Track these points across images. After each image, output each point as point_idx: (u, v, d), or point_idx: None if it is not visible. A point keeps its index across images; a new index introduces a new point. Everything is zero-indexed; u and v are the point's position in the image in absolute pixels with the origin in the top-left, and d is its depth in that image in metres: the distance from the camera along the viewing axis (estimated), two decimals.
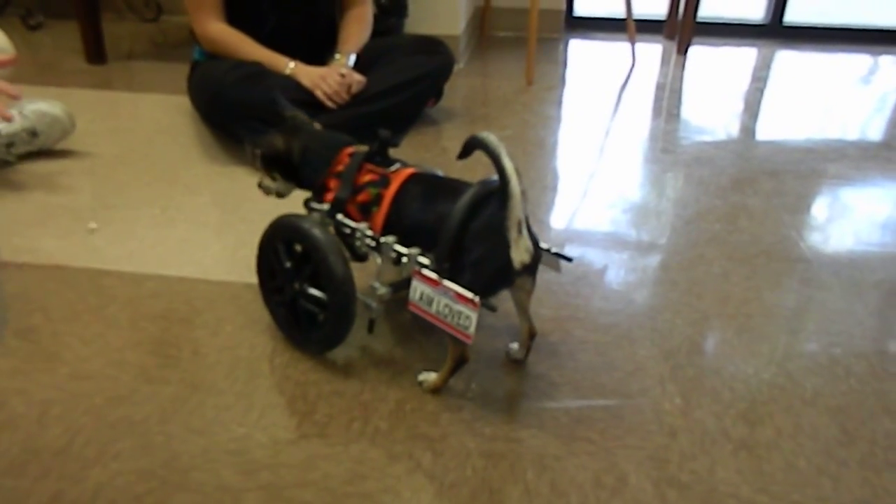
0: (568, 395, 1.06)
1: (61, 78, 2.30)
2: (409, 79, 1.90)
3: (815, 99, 2.42)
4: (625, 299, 1.29)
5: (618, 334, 1.20)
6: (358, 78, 1.85)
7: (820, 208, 1.69)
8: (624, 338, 1.19)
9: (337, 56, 1.90)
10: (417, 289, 0.98)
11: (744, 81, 2.60)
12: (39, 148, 1.73)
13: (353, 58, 1.92)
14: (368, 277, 1.09)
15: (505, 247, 0.93)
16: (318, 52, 1.91)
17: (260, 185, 1.19)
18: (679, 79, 2.58)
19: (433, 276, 0.96)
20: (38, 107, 1.70)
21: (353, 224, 1.07)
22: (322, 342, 1.10)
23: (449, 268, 0.95)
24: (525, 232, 0.94)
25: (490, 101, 2.28)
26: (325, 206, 1.09)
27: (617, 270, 1.38)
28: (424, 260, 0.99)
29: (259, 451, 0.95)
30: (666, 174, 1.82)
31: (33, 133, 1.69)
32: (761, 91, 2.49)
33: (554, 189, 1.72)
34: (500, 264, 0.94)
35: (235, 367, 1.10)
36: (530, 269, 0.98)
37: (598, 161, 1.88)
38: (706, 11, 2.89)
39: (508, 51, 2.80)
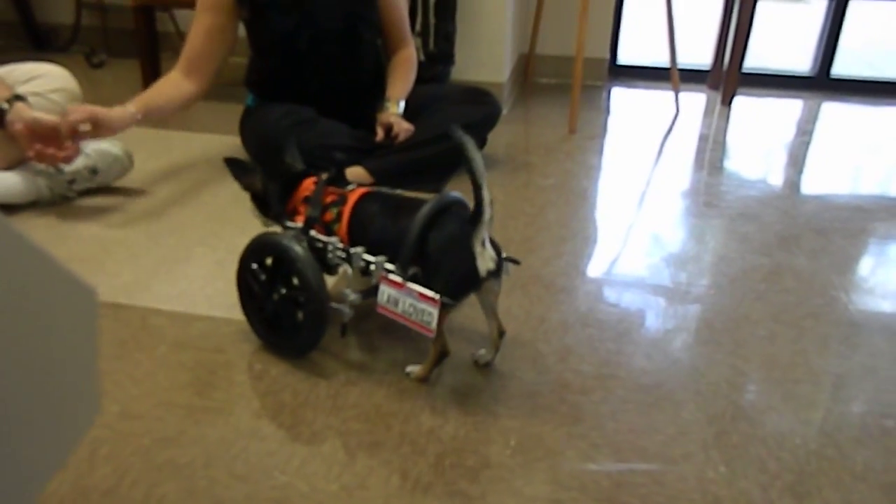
0: (609, 457, 1.05)
1: None
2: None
3: (864, 154, 2.39)
4: (668, 359, 1.28)
5: (660, 395, 1.18)
6: (406, 126, 1.90)
7: (869, 269, 1.66)
8: (666, 399, 1.18)
9: (387, 104, 1.95)
10: (385, 292, 1.11)
11: (789, 134, 2.58)
12: (99, 185, 1.80)
13: (402, 104, 1.97)
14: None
15: (472, 258, 1.07)
16: (367, 102, 1.97)
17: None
18: (723, 130, 2.58)
19: (398, 279, 1.09)
20: (99, 146, 1.78)
21: (324, 238, 1.20)
22: (302, 346, 1.21)
23: (422, 280, 1.08)
24: (488, 245, 1.09)
25: (533, 149, 2.31)
26: (299, 225, 1.22)
27: (660, 329, 1.37)
28: (390, 266, 1.11)
29: (300, 500, 0.96)
30: (709, 229, 1.81)
31: (94, 171, 1.77)
32: (807, 145, 2.47)
33: (595, 241, 1.72)
34: (468, 273, 1.08)
35: (279, 412, 1.12)
36: (495, 273, 1.11)
37: (639, 214, 1.88)
38: (752, 62, 2.89)
39: (552, 98, 2.84)
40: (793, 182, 2.15)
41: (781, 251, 1.68)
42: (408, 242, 1.09)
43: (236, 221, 1.70)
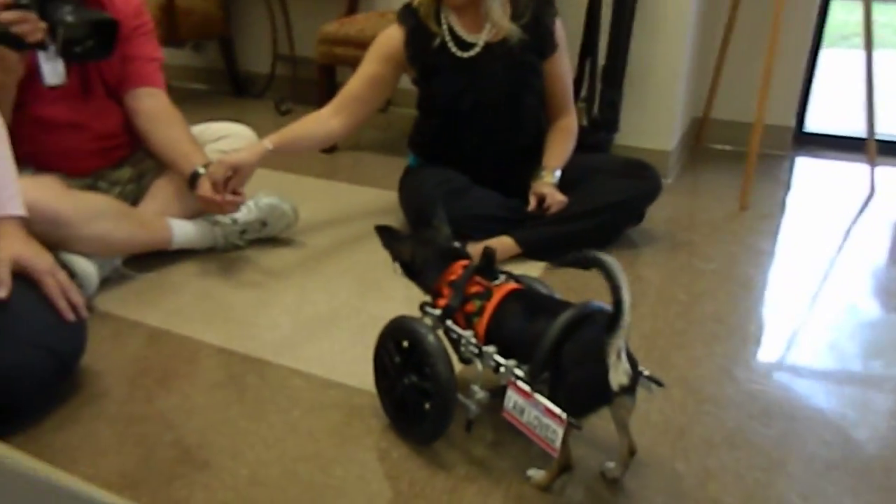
0: None
1: (294, 164, 2.57)
2: (612, 202, 1.87)
3: None
4: None
5: None
6: (560, 198, 1.86)
7: None
8: None
9: (542, 173, 1.93)
10: (511, 398, 1.08)
11: None
12: (266, 235, 1.94)
13: (558, 174, 1.94)
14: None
15: (604, 370, 1.00)
16: (523, 168, 1.95)
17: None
18: None
19: (526, 388, 1.05)
20: (270, 201, 1.92)
21: (459, 331, 1.19)
22: (424, 435, 1.21)
23: (549, 385, 1.04)
24: (624, 356, 1.00)
25: (696, 226, 2.16)
26: (438, 312, 1.21)
27: (823, 464, 1.20)
28: (520, 372, 1.08)
29: None
30: None
31: (263, 223, 1.91)
32: None
33: (757, 342, 1.56)
34: (599, 386, 1.01)
35: (393, 501, 1.11)
36: (629, 389, 1.03)
37: (814, 314, 1.68)
38: None
39: (724, 167, 2.66)
40: None
41: None
42: (541, 351, 1.04)
43: (383, 285, 1.74)
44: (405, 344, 1.20)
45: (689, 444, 1.24)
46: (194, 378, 1.41)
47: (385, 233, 1.35)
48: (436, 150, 2.03)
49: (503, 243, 1.84)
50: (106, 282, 1.70)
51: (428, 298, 1.29)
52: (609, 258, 1.00)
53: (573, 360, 1.04)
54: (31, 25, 1.46)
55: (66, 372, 1.30)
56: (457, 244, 1.37)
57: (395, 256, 1.35)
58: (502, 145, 1.98)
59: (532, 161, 1.97)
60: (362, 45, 2.54)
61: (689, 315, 1.65)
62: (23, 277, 1.23)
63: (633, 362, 1.04)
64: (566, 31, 1.97)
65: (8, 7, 1.43)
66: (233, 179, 1.71)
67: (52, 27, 1.50)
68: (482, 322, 1.17)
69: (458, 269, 1.26)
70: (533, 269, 1.82)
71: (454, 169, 1.96)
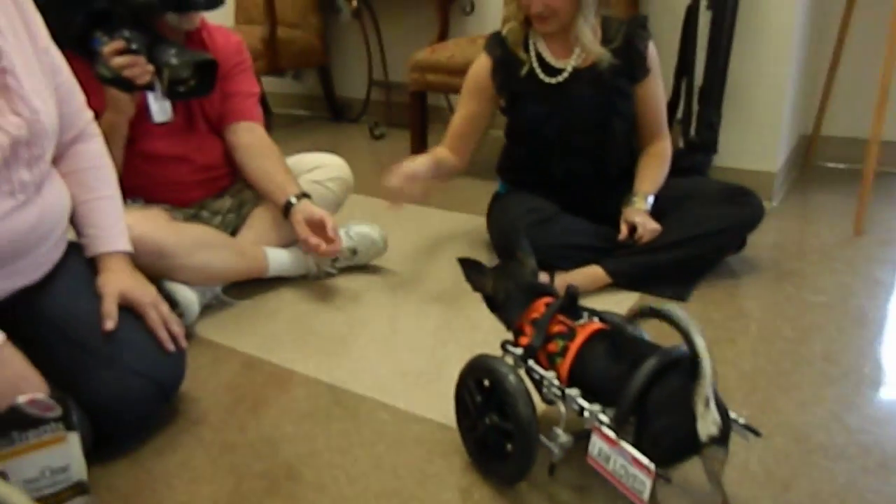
0: None
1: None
2: (708, 231, 1.78)
3: None
4: None
5: None
6: (652, 227, 1.79)
7: None
8: None
9: (634, 199, 1.86)
10: (596, 444, 1.03)
11: None
12: (356, 263, 1.98)
13: (650, 199, 1.87)
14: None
15: (691, 419, 0.94)
16: (613, 194, 1.90)
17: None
18: None
19: (612, 435, 1.00)
20: (361, 229, 1.96)
21: (541, 371, 1.16)
22: (507, 475, 1.18)
23: (634, 431, 0.99)
24: (713, 406, 0.94)
25: (804, 254, 2.02)
26: (519, 351, 1.20)
27: None
28: (605, 418, 1.03)
29: None
30: None
31: (354, 252, 1.95)
32: None
33: (873, 385, 1.43)
34: (685, 436, 0.95)
35: None
36: (720, 440, 0.96)
37: None
38: None
39: (837, 186, 2.48)
40: None
41: None
42: (627, 396, 1.00)
43: (469, 314, 1.73)
44: (486, 383, 1.18)
45: (794, 499, 1.15)
46: (285, 407, 1.45)
47: (468, 266, 1.34)
48: (524, 176, 2.01)
49: (593, 273, 1.79)
50: (206, 308, 1.78)
51: (511, 335, 1.26)
52: (673, 309, 0.97)
53: (659, 407, 0.99)
54: (140, 69, 1.56)
55: (165, 399, 1.37)
56: (542, 277, 1.34)
57: (478, 290, 1.34)
58: (591, 171, 1.93)
59: (623, 187, 1.91)
60: (452, 71, 2.57)
61: (795, 354, 1.54)
62: (128, 309, 1.31)
63: (723, 410, 0.97)
64: (660, 51, 1.91)
65: (119, 53, 1.54)
66: (408, 188, 1.80)
67: (158, 69, 1.60)
68: (565, 363, 1.13)
69: (540, 307, 1.23)
70: (626, 300, 1.76)
71: (542, 196, 1.93)
